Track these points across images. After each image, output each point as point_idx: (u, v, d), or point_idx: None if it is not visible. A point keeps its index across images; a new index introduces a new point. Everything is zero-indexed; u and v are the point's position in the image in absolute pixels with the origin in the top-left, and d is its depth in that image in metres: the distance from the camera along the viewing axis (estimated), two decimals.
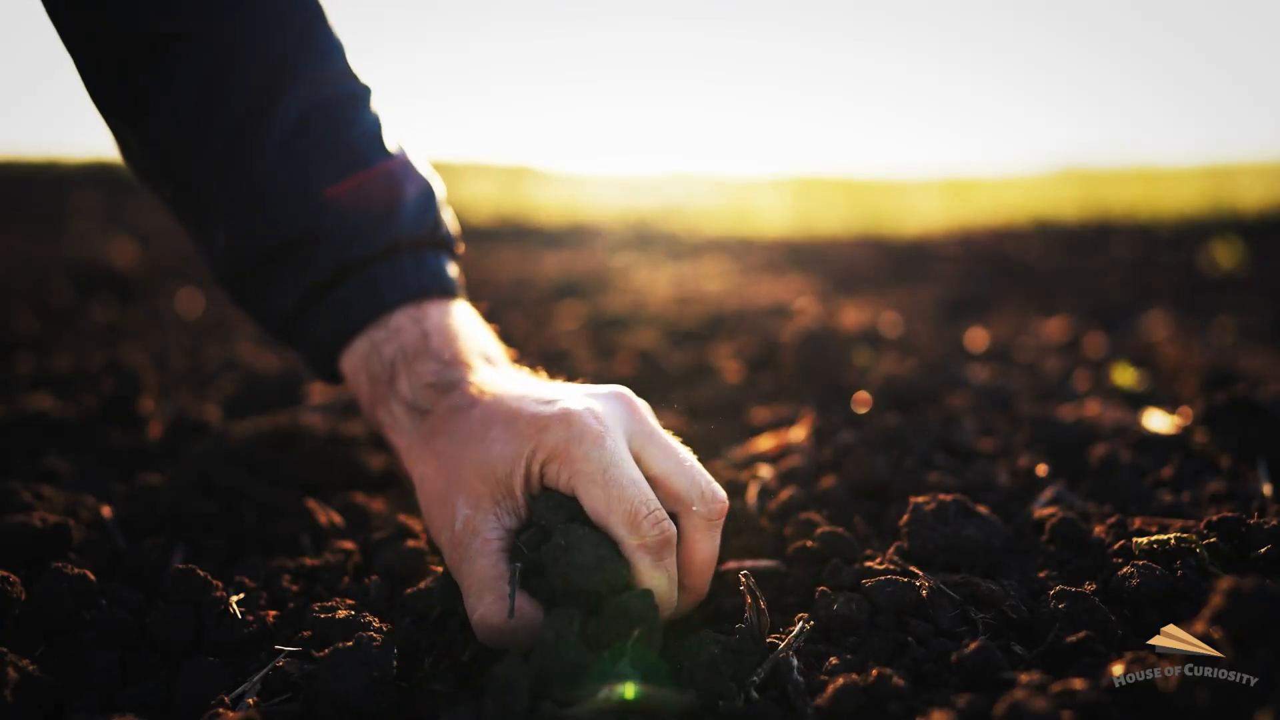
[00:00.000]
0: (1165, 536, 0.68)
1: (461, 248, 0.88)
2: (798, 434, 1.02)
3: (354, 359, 0.79)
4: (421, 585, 0.68)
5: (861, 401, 1.11)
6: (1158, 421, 1.03)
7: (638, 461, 0.63)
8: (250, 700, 0.56)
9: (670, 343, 1.52)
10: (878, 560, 0.70)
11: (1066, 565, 0.71)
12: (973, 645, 0.57)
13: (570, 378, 0.74)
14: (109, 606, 0.63)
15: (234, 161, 0.78)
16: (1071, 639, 0.58)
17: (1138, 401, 1.16)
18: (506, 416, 0.65)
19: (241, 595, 0.66)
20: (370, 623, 0.62)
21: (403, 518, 0.81)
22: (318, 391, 1.22)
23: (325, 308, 0.80)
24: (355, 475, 0.94)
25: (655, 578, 0.60)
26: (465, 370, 0.72)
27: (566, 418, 0.62)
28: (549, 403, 0.64)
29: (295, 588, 0.70)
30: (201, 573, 0.65)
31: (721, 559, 0.74)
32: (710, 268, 2.55)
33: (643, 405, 0.68)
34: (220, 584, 0.65)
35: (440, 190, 0.85)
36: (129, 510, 0.80)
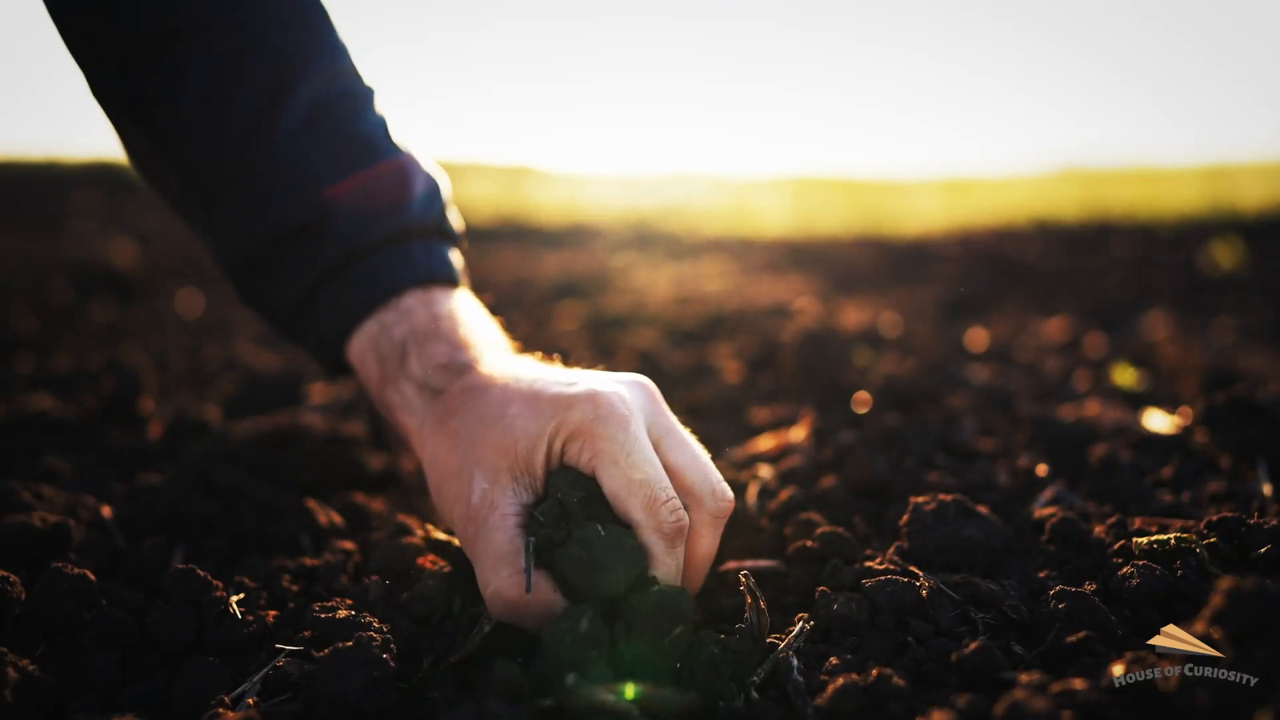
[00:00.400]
0: (1165, 536, 0.68)
1: (465, 245, 0.89)
2: (798, 434, 1.02)
3: (362, 341, 0.79)
4: (421, 585, 0.68)
5: (861, 401, 1.11)
6: (1158, 421, 1.03)
7: (656, 450, 0.64)
8: (250, 700, 0.56)
9: (670, 343, 1.52)
10: (878, 560, 0.70)
11: (1066, 565, 0.71)
12: (973, 645, 0.57)
13: None
14: (109, 606, 0.63)
15: (247, 152, 0.78)
16: (1071, 639, 0.58)
17: (1138, 401, 1.16)
18: (527, 395, 0.65)
19: (241, 595, 0.66)
20: (370, 623, 0.62)
21: (402, 518, 0.81)
22: (318, 391, 1.22)
23: (336, 291, 0.80)
24: (355, 475, 0.94)
25: (667, 563, 0.61)
26: (478, 353, 0.73)
27: (594, 398, 0.62)
28: (572, 384, 0.65)
29: (295, 588, 0.70)
30: (201, 573, 0.65)
31: (721, 559, 0.74)
32: (710, 268, 2.55)
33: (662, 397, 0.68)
34: (220, 584, 0.65)
35: (446, 187, 0.86)
36: (129, 510, 0.80)
